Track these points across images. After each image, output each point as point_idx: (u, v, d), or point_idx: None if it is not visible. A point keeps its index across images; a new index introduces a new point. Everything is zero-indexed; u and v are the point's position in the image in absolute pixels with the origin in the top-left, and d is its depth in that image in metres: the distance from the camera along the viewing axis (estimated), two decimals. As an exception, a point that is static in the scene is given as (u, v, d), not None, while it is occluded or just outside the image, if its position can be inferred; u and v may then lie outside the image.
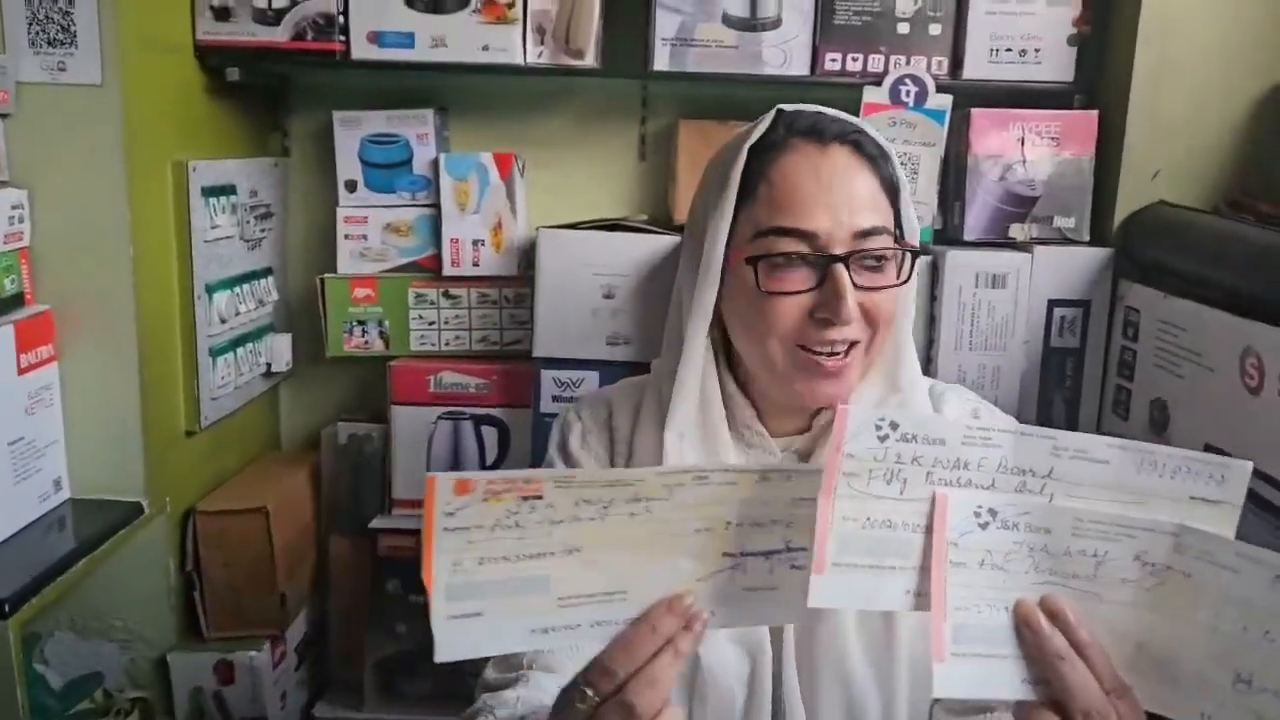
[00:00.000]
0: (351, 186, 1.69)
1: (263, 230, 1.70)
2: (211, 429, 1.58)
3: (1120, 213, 1.51)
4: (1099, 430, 1.52)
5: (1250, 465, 0.64)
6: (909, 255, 0.91)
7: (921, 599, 0.67)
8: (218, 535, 1.52)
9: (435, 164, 1.66)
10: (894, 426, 0.67)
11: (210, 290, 1.53)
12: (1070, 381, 1.53)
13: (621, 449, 1.01)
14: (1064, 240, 1.54)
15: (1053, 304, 1.52)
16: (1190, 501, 0.65)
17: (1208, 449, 1.25)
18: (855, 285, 0.87)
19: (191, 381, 1.51)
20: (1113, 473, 0.65)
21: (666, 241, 1.55)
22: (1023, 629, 0.66)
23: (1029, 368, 1.53)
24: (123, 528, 1.37)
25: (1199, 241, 1.34)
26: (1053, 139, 1.53)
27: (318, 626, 1.77)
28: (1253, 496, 1.18)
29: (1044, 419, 1.53)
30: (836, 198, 0.88)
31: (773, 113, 0.94)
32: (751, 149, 0.92)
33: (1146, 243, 1.47)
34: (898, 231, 0.93)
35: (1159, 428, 1.37)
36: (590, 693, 0.66)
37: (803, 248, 0.88)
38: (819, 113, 0.94)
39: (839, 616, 0.89)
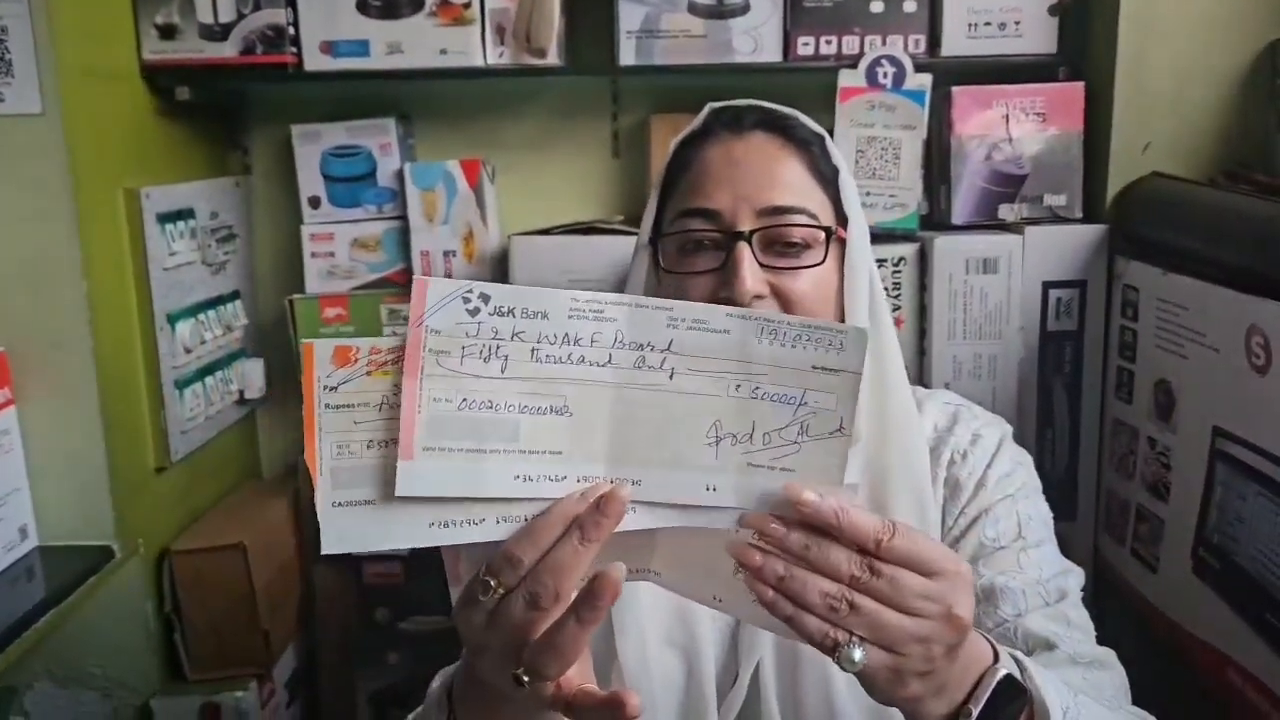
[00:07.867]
0: (315, 203, 1.63)
1: (226, 253, 1.64)
2: (184, 463, 1.52)
3: (1113, 187, 1.45)
4: (1103, 416, 1.47)
5: (866, 330, 0.63)
6: (828, 236, 0.88)
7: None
8: (194, 575, 1.46)
9: (400, 175, 1.60)
10: (485, 299, 0.61)
11: (172, 320, 1.47)
12: (1070, 366, 1.47)
13: None
14: (1056, 219, 1.48)
15: (1047, 286, 1.46)
16: (813, 371, 0.62)
17: (1216, 432, 1.19)
18: (762, 265, 0.85)
19: (158, 416, 1.45)
20: (734, 343, 0.62)
21: (643, 243, 1.49)
22: None
23: (1026, 354, 1.47)
24: (93, 574, 1.32)
25: (1197, 216, 1.29)
26: (1038, 114, 1.47)
27: (307, 661, 1.70)
28: (1262, 479, 1.14)
29: (1045, 406, 1.47)
30: (745, 177, 0.87)
31: (706, 109, 0.95)
32: (680, 144, 0.94)
33: (1142, 217, 1.41)
34: (837, 220, 0.91)
35: (1164, 411, 1.31)
36: (493, 583, 0.60)
37: (708, 227, 0.87)
38: (747, 105, 0.94)
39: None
